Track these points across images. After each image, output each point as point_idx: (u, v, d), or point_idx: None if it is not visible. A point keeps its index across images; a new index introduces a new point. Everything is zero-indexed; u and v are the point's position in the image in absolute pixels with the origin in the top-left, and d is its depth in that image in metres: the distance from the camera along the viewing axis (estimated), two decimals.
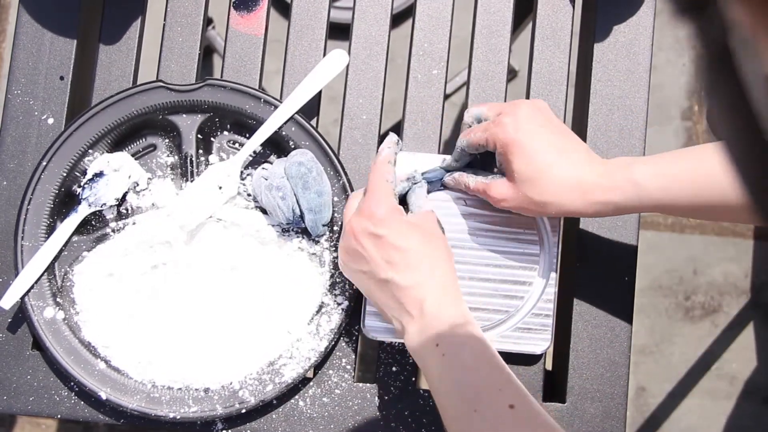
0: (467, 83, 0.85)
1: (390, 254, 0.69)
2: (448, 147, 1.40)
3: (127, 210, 0.80)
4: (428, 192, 0.79)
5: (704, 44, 0.28)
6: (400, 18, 1.37)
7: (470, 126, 0.77)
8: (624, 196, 0.70)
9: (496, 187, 0.73)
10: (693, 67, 1.60)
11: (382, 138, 0.77)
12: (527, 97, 0.84)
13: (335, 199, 0.78)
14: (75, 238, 0.79)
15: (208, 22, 1.31)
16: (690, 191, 0.69)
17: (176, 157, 0.81)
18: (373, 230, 0.70)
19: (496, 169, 0.76)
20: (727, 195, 0.68)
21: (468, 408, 0.65)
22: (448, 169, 0.79)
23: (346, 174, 0.79)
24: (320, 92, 0.83)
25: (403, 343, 0.79)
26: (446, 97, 0.86)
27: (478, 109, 0.76)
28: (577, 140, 0.73)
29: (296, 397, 0.79)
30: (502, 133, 0.72)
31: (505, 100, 0.84)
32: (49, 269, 0.78)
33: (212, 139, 0.81)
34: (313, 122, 0.83)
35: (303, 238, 0.79)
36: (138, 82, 0.82)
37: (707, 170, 0.69)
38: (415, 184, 0.77)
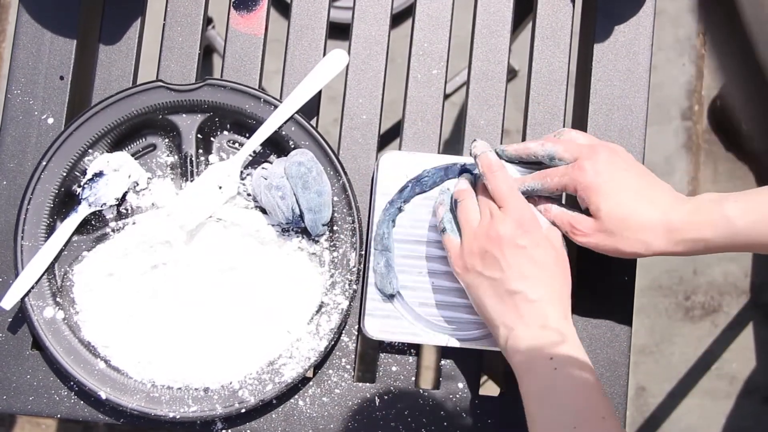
0: (467, 83, 0.85)
1: (527, 266, 0.70)
2: (447, 147, 1.40)
3: (127, 210, 0.80)
4: (427, 190, 0.79)
5: None
6: (399, 18, 1.37)
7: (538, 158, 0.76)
8: (715, 232, 0.69)
9: (583, 221, 0.72)
10: (693, 68, 1.60)
11: (382, 138, 0.77)
12: (527, 98, 0.84)
13: (335, 198, 0.79)
14: (75, 238, 0.79)
15: (208, 21, 1.31)
16: None
17: (176, 156, 0.81)
18: (518, 240, 0.70)
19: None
20: None
21: (568, 425, 0.66)
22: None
23: (345, 174, 0.79)
24: (320, 92, 0.83)
25: (403, 343, 0.79)
26: (446, 96, 0.86)
27: (554, 148, 0.74)
28: (660, 181, 0.73)
29: (296, 396, 0.79)
30: (583, 177, 0.71)
31: (504, 101, 0.84)
32: (49, 269, 0.78)
33: (212, 138, 0.81)
34: (313, 122, 0.83)
35: (303, 237, 0.79)
36: (138, 82, 0.83)
37: None
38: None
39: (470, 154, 0.76)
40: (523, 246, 0.70)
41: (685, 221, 0.70)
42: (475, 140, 0.76)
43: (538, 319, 0.69)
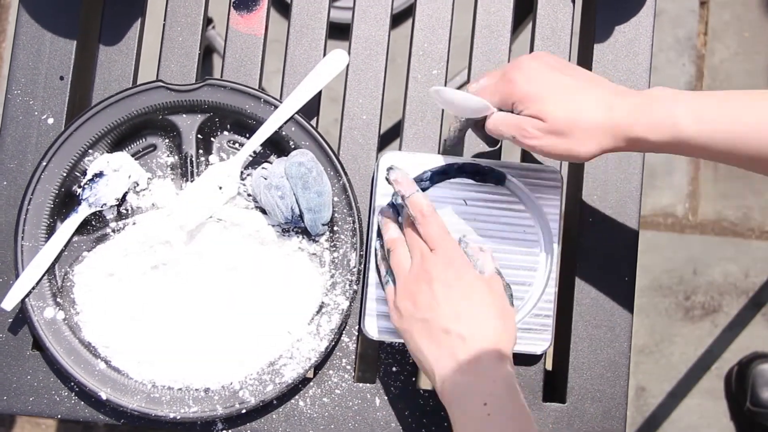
0: (467, 83, 0.84)
1: (460, 304, 0.68)
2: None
3: (127, 210, 0.80)
4: (426, 189, 0.79)
5: None
6: (400, 18, 1.37)
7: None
8: (659, 135, 0.65)
9: (530, 123, 0.68)
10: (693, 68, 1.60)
11: (382, 138, 0.77)
12: None
13: (335, 199, 0.78)
14: (75, 239, 0.79)
15: (208, 21, 1.31)
16: (733, 140, 0.64)
17: (176, 157, 0.81)
18: (450, 280, 0.69)
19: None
20: None
21: None
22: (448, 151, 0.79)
23: (346, 174, 0.79)
24: (320, 92, 0.83)
25: (403, 344, 0.79)
26: None
27: (478, 83, 0.72)
28: (596, 76, 0.70)
29: (296, 397, 0.79)
30: (515, 88, 0.68)
31: None
32: (50, 269, 0.78)
33: (212, 139, 0.81)
34: (313, 122, 0.83)
35: (303, 238, 0.79)
36: (138, 82, 0.82)
37: (756, 118, 0.64)
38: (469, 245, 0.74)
39: (387, 180, 0.75)
40: (455, 285, 0.69)
41: (628, 120, 0.66)
42: (391, 168, 0.75)
43: (473, 362, 0.67)
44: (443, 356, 0.68)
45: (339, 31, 0.96)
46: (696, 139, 0.65)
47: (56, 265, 0.78)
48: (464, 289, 0.69)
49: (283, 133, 0.79)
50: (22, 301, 0.77)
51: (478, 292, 0.69)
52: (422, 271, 0.70)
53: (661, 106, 0.66)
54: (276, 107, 0.79)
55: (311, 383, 0.79)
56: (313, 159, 0.77)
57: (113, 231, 0.80)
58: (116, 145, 0.81)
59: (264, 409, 0.78)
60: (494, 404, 0.65)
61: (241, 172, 0.80)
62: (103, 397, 0.76)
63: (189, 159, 0.80)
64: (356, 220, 0.78)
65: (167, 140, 0.81)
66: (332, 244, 0.79)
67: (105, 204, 0.79)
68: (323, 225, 0.78)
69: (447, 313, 0.68)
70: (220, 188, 0.79)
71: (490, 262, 0.72)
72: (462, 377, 0.67)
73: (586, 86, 0.68)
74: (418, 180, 0.79)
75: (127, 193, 0.80)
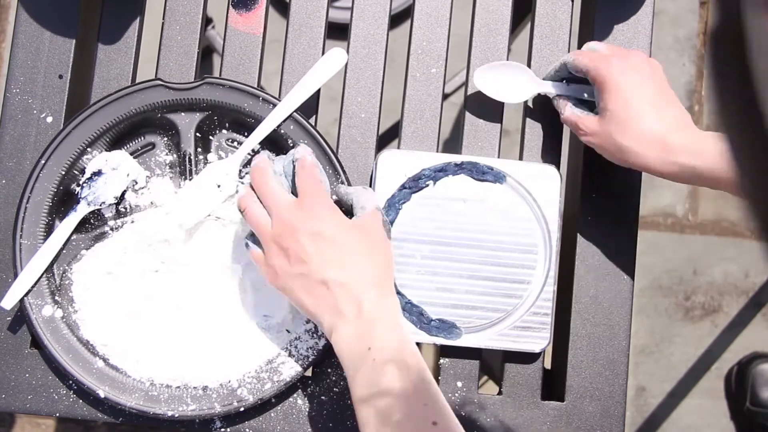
0: (466, 82, 0.84)
1: (328, 251, 0.68)
2: (446, 144, 1.40)
3: (125, 208, 0.80)
4: (422, 188, 0.79)
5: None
6: (398, 19, 1.37)
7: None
8: (708, 164, 0.69)
9: (586, 121, 0.75)
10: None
11: (381, 137, 0.77)
12: None
13: (333, 197, 0.78)
14: (73, 237, 0.79)
15: (207, 21, 1.31)
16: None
17: (175, 155, 0.81)
18: (313, 227, 0.68)
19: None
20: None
21: (389, 419, 0.63)
22: (548, 78, 0.81)
23: (344, 172, 0.79)
24: (319, 91, 0.83)
25: None
26: (445, 96, 0.86)
27: (595, 44, 0.78)
28: (678, 105, 0.74)
29: (295, 395, 0.79)
30: (606, 69, 0.73)
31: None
32: (48, 268, 0.78)
33: (211, 137, 0.81)
34: (312, 121, 0.83)
35: None
36: (137, 81, 0.82)
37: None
38: (344, 184, 0.74)
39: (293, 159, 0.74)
40: (319, 231, 0.68)
41: (682, 145, 0.70)
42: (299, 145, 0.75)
43: (354, 306, 0.66)
44: (325, 307, 0.68)
45: (338, 31, 0.96)
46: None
47: (55, 264, 0.78)
48: (330, 234, 0.68)
49: (282, 131, 0.79)
50: (21, 299, 0.77)
51: (344, 233, 0.69)
52: (285, 225, 0.69)
53: (716, 141, 0.69)
54: (274, 106, 0.79)
55: (309, 381, 0.79)
56: (311, 154, 0.77)
57: (112, 229, 0.80)
58: (115, 144, 0.81)
59: (262, 407, 0.78)
60: (377, 346, 0.65)
61: (240, 171, 0.80)
62: (102, 395, 0.76)
63: (187, 157, 0.80)
64: None
65: (166, 139, 0.81)
66: None
67: (104, 202, 0.79)
68: None
69: (320, 263, 0.68)
70: (219, 186, 0.79)
71: (371, 200, 0.72)
72: (345, 327, 0.66)
73: (663, 104, 0.73)
74: (417, 178, 0.79)
75: (125, 191, 0.80)
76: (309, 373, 0.80)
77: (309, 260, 0.68)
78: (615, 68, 0.73)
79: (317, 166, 0.73)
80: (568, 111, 0.77)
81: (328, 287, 0.67)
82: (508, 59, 0.85)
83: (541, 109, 0.84)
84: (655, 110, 0.71)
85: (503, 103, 0.83)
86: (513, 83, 0.82)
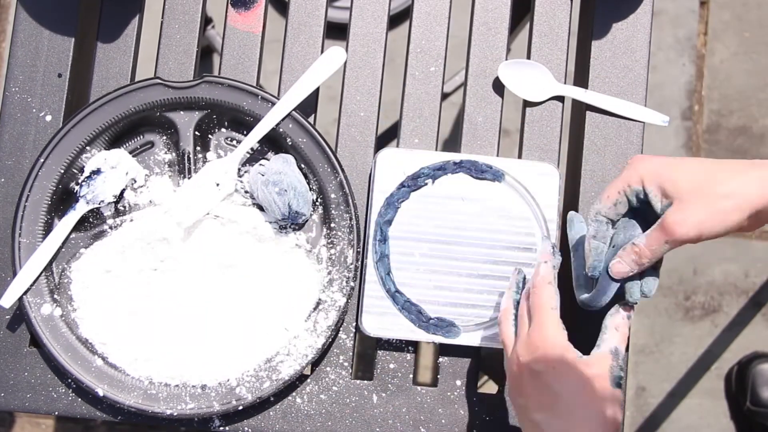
0: (465, 81, 0.85)
1: (543, 395, 0.65)
2: (446, 144, 1.40)
3: (124, 207, 0.80)
4: (421, 187, 0.79)
5: None
6: (397, 19, 1.37)
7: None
8: None
9: (671, 216, 0.65)
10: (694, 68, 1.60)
11: (380, 137, 0.77)
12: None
13: (332, 196, 0.79)
14: (72, 235, 0.79)
15: (207, 21, 1.31)
16: None
17: (174, 154, 0.81)
18: (533, 365, 0.66)
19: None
20: None
21: None
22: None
23: (343, 171, 0.79)
24: (318, 90, 0.83)
25: (400, 340, 0.79)
26: (445, 96, 0.86)
27: (604, 200, 0.70)
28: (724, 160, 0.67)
29: (293, 394, 0.79)
30: (646, 164, 0.67)
31: (503, 99, 0.84)
32: (47, 266, 0.78)
33: (210, 136, 0.81)
34: (311, 119, 0.83)
35: (300, 234, 0.79)
36: (136, 80, 0.83)
37: None
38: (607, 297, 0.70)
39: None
40: (538, 372, 0.66)
41: (759, 190, 0.63)
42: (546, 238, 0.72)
43: None
44: None
45: (337, 31, 0.96)
46: None
47: (54, 262, 0.79)
48: (546, 378, 0.65)
49: (281, 130, 0.79)
50: (20, 297, 0.77)
51: (563, 381, 0.65)
52: (515, 354, 0.68)
53: None
54: (273, 104, 0.79)
55: (308, 380, 0.79)
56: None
57: (110, 228, 0.80)
58: (114, 142, 0.81)
59: (261, 405, 0.78)
60: None
61: (239, 169, 0.80)
62: (100, 393, 0.76)
63: (186, 156, 0.80)
64: (353, 217, 0.78)
65: (165, 137, 0.81)
66: (329, 241, 0.79)
67: (102, 201, 0.79)
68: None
69: (533, 404, 0.66)
70: (218, 185, 0.79)
71: (611, 339, 0.68)
72: None
73: (715, 161, 0.67)
74: (416, 177, 0.79)
75: (124, 190, 0.80)
76: (308, 371, 0.80)
77: (527, 396, 0.67)
78: (653, 159, 0.67)
79: (550, 283, 0.70)
80: (640, 240, 0.67)
81: (539, 429, 0.65)
82: (507, 59, 0.85)
83: (541, 109, 0.84)
84: (716, 166, 0.65)
85: (502, 102, 0.83)
86: (534, 82, 0.82)
